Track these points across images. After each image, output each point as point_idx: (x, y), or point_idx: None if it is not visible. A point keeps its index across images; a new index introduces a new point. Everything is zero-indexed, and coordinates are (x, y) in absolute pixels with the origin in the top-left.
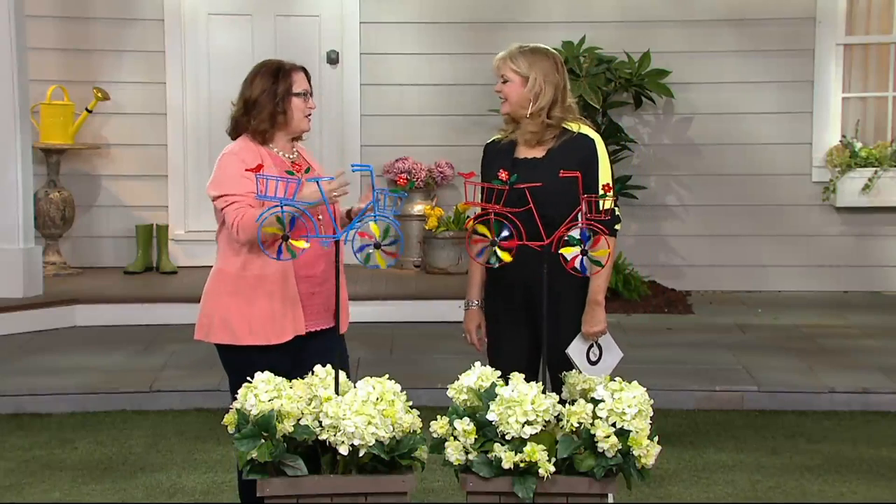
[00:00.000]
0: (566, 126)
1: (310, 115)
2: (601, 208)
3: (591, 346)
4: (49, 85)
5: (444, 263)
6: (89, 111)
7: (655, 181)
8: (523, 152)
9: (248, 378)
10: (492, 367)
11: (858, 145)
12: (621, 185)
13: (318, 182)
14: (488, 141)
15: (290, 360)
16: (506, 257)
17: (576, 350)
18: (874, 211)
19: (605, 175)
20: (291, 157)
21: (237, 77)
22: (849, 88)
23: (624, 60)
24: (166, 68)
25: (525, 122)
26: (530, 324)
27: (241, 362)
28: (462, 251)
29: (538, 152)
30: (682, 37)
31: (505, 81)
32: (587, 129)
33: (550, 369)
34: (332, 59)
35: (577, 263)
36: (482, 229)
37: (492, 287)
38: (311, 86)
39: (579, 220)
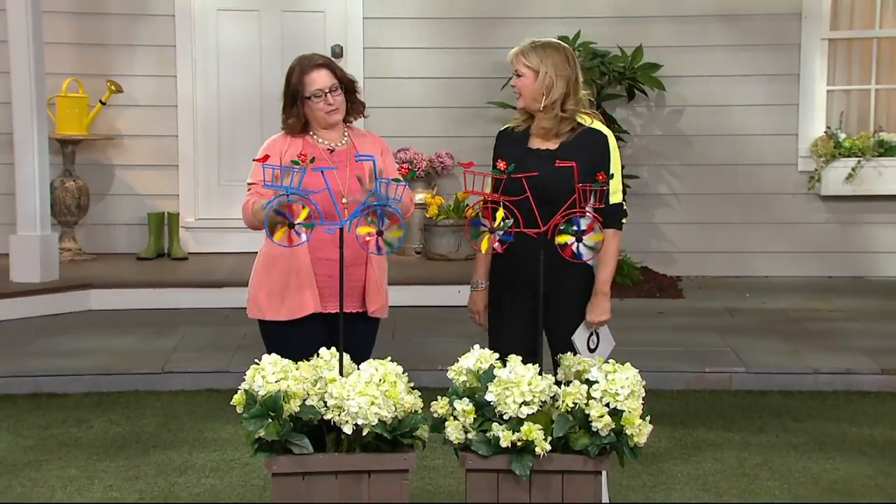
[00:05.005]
0: (580, 120)
1: (332, 110)
2: (609, 202)
3: (592, 334)
4: (65, 78)
5: (444, 250)
6: (103, 103)
7: (647, 171)
8: (537, 143)
9: (278, 352)
10: (491, 349)
11: (842, 136)
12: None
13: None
14: (502, 128)
15: (319, 339)
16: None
17: (579, 337)
18: (857, 199)
19: (615, 170)
20: (333, 144)
21: (245, 70)
22: (833, 81)
23: (617, 55)
24: (177, 62)
25: (539, 115)
26: (531, 309)
27: (268, 337)
28: (461, 238)
29: (552, 144)
30: (673, 32)
31: (519, 76)
32: (599, 125)
33: (551, 352)
34: (337, 53)
35: (574, 249)
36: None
37: (497, 272)
38: (340, 78)
39: (581, 209)
